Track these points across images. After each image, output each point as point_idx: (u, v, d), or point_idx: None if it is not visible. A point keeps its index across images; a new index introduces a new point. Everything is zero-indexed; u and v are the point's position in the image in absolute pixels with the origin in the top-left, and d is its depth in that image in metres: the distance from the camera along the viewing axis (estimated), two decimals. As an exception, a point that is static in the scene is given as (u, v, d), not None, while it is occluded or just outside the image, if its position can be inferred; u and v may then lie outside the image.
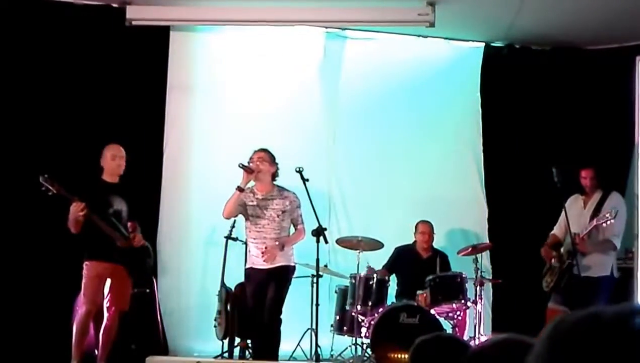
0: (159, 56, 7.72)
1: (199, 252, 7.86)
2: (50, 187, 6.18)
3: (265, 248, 6.58)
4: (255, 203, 6.64)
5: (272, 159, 6.70)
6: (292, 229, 6.77)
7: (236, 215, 6.83)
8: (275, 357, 6.54)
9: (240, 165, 6.54)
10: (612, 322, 1.01)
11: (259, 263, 6.61)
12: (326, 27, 8.09)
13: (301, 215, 6.71)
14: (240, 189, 6.55)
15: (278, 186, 6.73)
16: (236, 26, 7.92)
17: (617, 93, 7.90)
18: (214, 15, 7.72)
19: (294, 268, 6.75)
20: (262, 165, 6.62)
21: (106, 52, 7.53)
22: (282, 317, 6.59)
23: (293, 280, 6.82)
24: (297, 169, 6.66)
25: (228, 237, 7.32)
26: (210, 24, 7.92)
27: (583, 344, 1.01)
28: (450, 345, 2.24)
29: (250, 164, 6.60)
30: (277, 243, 6.57)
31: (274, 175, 6.71)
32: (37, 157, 7.10)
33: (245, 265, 6.90)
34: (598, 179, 6.95)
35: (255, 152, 6.71)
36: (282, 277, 6.61)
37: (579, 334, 1.02)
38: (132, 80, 7.54)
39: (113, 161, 6.51)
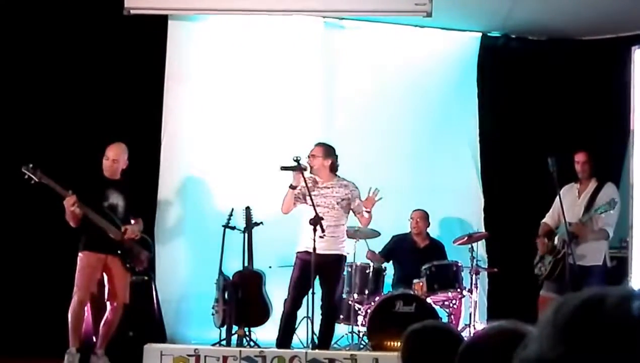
0: (157, 45, 7.72)
1: (197, 241, 7.90)
2: (33, 176, 6.24)
3: (324, 234, 6.66)
4: (315, 193, 6.78)
5: (325, 153, 6.89)
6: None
7: (295, 207, 6.92)
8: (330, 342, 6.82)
9: (281, 168, 6.73)
10: (616, 306, 1.02)
11: (315, 248, 6.65)
12: (324, 17, 8.10)
13: (361, 204, 6.86)
14: (292, 187, 6.78)
15: (340, 177, 6.94)
16: (234, 15, 7.93)
17: (613, 83, 7.93)
18: (212, 4, 7.72)
19: (346, 257, 6.96)
20: (314, 160, 6.83)
21: (104, 40, 7.53)
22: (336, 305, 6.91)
23: (290, 268, 6.91)
24: (295, 158, 6.71)
25: (226, 226, 7.35)
26: (209, 12, 7.93)
27: (586, 327, 1.02)
28: (438, 333, 2.30)
29: (301, 163, 6.72)
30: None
31: (332, 167, 6.90)
32: (32, 148, 7.10)
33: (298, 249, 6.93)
34: (592, 164, 6.94)
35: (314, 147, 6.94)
36: (335, 267, 6.79)
37: (581, 317, 1.03)
38: (129, 70, 7.55)
39: (106, 161, 6.60)
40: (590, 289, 1.07)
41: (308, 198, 6.74)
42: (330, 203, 6.80)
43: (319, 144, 6.97)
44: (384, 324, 6.85)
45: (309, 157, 6.85)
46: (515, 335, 1.56)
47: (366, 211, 6.85)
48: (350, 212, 6.95)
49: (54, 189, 6.31)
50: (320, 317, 6.75)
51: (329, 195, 6.83)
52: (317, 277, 6.78)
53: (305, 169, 6.75)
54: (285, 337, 6.80)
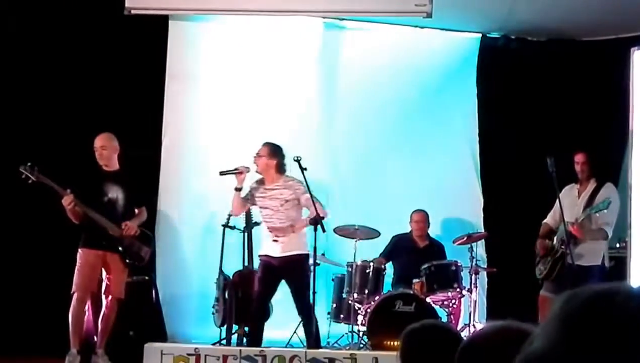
0: (158, 45, 7.74)
1: (197, 240, 7.92)
2: (30, 175, 6.27)
3: (276, 236, 6.72)
4: (263, 194, 6.79)
5: (270, 153, 6.80)
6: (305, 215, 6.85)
7: (247, 209, 7.00)
8: (319, 340, 6.76)
9: (220, 173, 6.76)
10: (625, 303, 1.01)
11: (273, 251, 6.75)
12: (324, 17, 8.12)
13: (311, 198, 6.72)
14: (237, 189, 6.78)
15: (287, 177, 6.85)
16: (234, 15, 7.95)
17: (613, 84, 7.94)
18: (213, 5, 7.75)
19: (308, 256, 6.84)
20: (259, 160, 6.77)
21: (105, 41, 7.55)
22: (311, 302, 6.72)
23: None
24: (295, 158, 6.73)
25: (225, 226, 7.37)
26: (209, 13, 7.94)
27: (594, 323, 1.01)
28: (437, 332, 2.32)
29: (238, 166, 6.76)
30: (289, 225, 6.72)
31: (278, 167, 6.81)
32: (31, 148, 7.10)
33: (260, 252, 6.99)
34: (591, 165, 6.95)
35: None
36: (297, 266, 6.73)
37: (590, 313, 1.02)
38: (130, 69, 7.56)
39: (96, 152, 6.62)
40: (598, 285, 1.06)
41: (258, 200, 6.80)
42: (276, 205, 6.75)
43: (265, 144, 6.88)
44: (383, 324, 6.87)
45: (255, 156, 6.81)
46: (514, 334, 1.58)
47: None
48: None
49: (52, 188, 6.33)
50: (300, 318, 6.76)
51: (274, 196, 6.77)
52: (283, 280, 6.81)
53: (244, 172, 6.73)
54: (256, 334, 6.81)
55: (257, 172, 6.87)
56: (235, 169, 6.78)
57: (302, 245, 6.82)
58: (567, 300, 1.05)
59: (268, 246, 6.82)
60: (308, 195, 6.72)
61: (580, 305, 1.04)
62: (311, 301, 6.72)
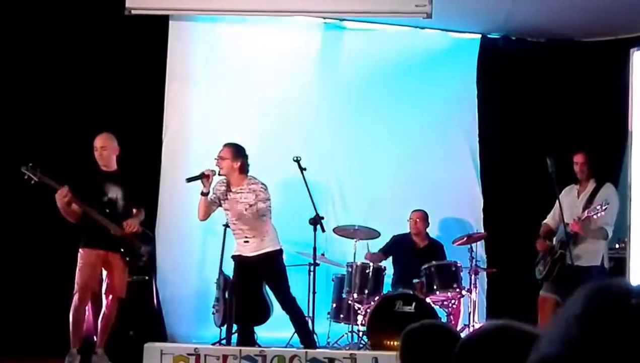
0: (158, 45, 7.75)
1: (197, 240, 7.93)
2: (32, 176, 6.26)
3: (246, 237, 6.63)
4: (228, 197, 6.67)
5: (234, 154, 6.60)
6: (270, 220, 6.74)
7: (213, 211, 6.84)
8: (310, 333, 6.72)
9: (187, 180, 6.63)
10: None
11: (245, 251, 6.68)
12: (324, 18, 8.14)
13: (267, 208, 6.60)
14: (204, 194, 6.62)
15: (250, 178, 6.66)
16: (235, 16, 7.96)
17: (612, 85, 7.95)
18: (213, 5, 7.75)
19: (281, 251, 6.75)
20: (222, 163, 6.58)
21: (105, 41, 7.56)
22: (292, 296, 6.70)
23: (291, 267, 6.93)
24: (295, 158, 6.74)
25: (226, 226, 7.36)
26: (209, 13, 7.95)
27: (617, 324, 0.99)
28: (436, 332, 2.32)
29: (204, 170, 6.60)
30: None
31: (242, 168, 6.62)
32: (32, 148, 7.10)
33: (232, 253, 6.95)
34: (591, 165, 6.94)
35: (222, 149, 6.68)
36: (271, 264, 6.66)
37: (612, 314, 1.00)
38: (131, 69, 7.57)
39: (96, 152, 6.61)
40: (613, 283, 1.05)
41: (223, 202, 6.65)
42: (241, 209, 6.57)
43: (227, 145, 6.67)
44: (383, 324, 6.88)
45: (217, 159, 6.62)
46: (513, 332, 1.58)
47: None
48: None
49: (55, 189, 6.33)
50: (288, 316, 6.70)
51: (239, 200, 6.59)
52: (262, 279, 6.80)
53: (210, 175, 6.56)
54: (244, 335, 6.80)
55: (220, 174, 6.67)
56: (202, 174, 6.59)
57: (273, 242, 6.69)
58: (585, 302, 1.03)
59: (239, 247, 6.72)
60: (264, 204, 6.57)
61: (598, 307, 1.02)
62: (292, 294, 6.69)
